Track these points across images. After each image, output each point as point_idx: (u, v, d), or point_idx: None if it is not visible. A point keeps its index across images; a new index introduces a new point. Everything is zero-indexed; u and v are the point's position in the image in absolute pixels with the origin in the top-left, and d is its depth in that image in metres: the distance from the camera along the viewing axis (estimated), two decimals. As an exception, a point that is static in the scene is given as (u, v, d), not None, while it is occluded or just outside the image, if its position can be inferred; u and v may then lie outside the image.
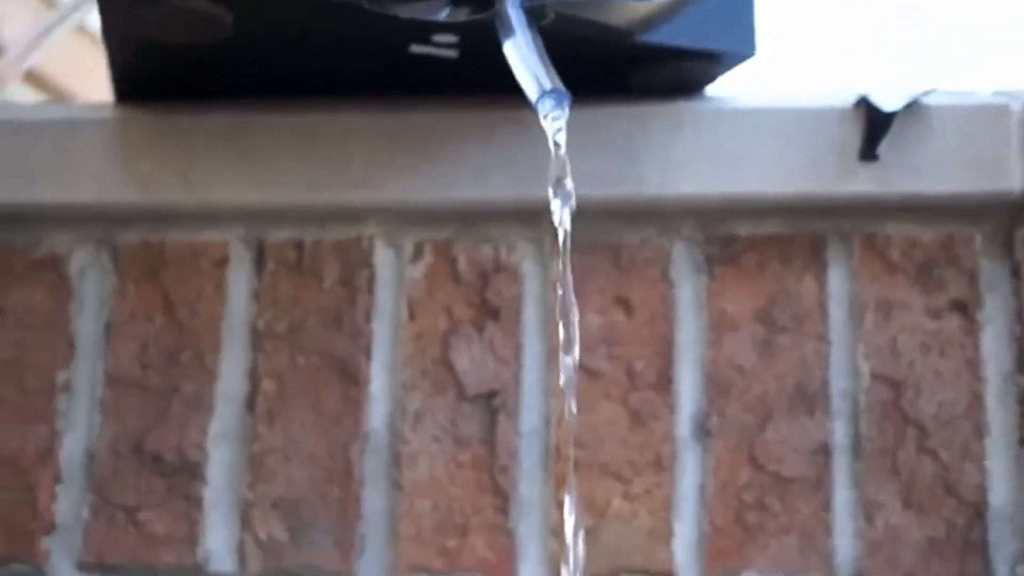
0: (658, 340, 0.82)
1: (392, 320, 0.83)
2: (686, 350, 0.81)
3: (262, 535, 0.81)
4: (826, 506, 0.79)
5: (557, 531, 0.80)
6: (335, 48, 0.78)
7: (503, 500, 0.80)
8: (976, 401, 0.79)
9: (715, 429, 0.80)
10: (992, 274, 0.80)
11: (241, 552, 0.81)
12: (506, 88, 0.81)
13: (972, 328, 0.80)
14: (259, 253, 0.84)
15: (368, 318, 0.82)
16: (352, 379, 0.82)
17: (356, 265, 0.83)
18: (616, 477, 0.80)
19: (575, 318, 0.67)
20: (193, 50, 0.78)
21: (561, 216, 0.68)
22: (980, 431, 0.79)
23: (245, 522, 0.81)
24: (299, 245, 0.84)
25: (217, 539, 0.81)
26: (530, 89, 0.69)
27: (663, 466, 0.80)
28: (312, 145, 0.83)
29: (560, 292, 0.67)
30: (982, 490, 0.79)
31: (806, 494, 0.79)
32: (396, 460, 0.81)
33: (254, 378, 0.82)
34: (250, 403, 0.82)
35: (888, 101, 0.80)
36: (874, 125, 0.79)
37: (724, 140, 0.81)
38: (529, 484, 0.81)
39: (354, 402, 0.82)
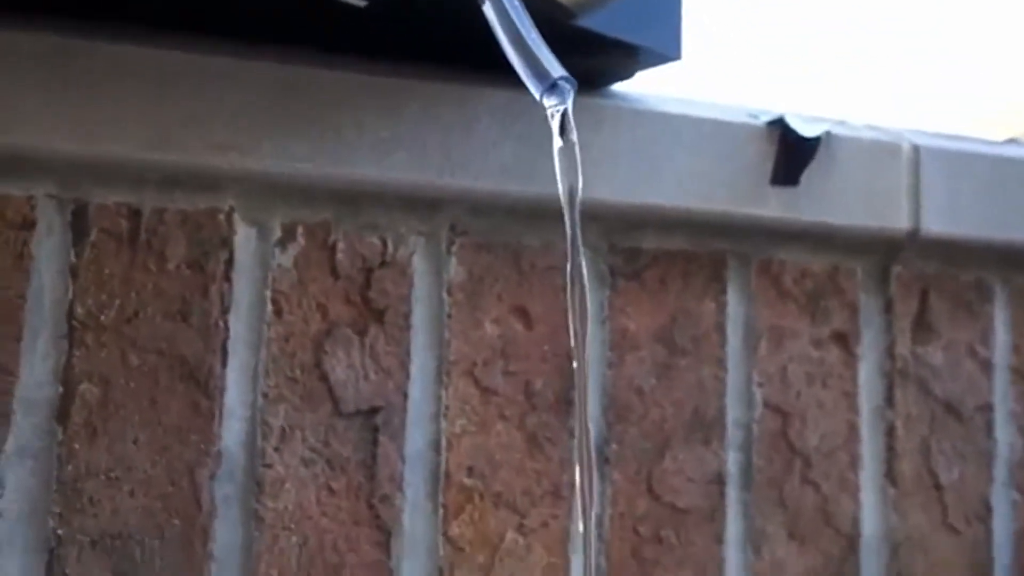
0: (558, 357, 0.52)
1: (254, 316, 0.48)
2: (587, 369, 0.52)
3: (73, 584, 0.44)
4: (719, 538, 0.53)
5: (445, 569, 0.49)
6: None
7: (384, 534, 0.48)
8: (853, 433, 0.56)
9: (614, 456, 0.52)
10: (869, 308, 0.58)
11: (43, 608, 0.43)
12: (414, 55, 0.49)
13: (850, 360, 0.57)
14: (79, 218, 0.46)
15: (223, 311, 0.47)
16: (201, 385, 0.47)
17: (209, 244, 0.48)
18: (511, 508, 0.50)
19: (586, 382, 0.38)
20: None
21: (573, 233, 0.38)
22: (855, 463, 0.56)
23: (54, 564, 0.44)
24: (135, 212, 0.47)
25: (9, 591, 0.43)
26: (526, 72, 0.39)
27: (561, 496, 0.51)
28: (166, 88, 0.46)
29: (576, 362, 0.37)
30: (856, 521, 0.56)
31: (700, 525, 0.53)
32: (256, 486, 0.47)
33: (69, 380, 0.45)
34: (62, 412, 0.45)
35: (803, 126, 0.54)
36: (791, 149, 0.54)
37: (643, 143, 0.53)
38: (414, 516, 0.49)
39: (203, 414, 0.47)
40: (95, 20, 0.49)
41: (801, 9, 0.73)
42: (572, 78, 0.41)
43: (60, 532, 0.47)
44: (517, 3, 0.43)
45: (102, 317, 0.49)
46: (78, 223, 0.49)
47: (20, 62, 0.47)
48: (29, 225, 0.48)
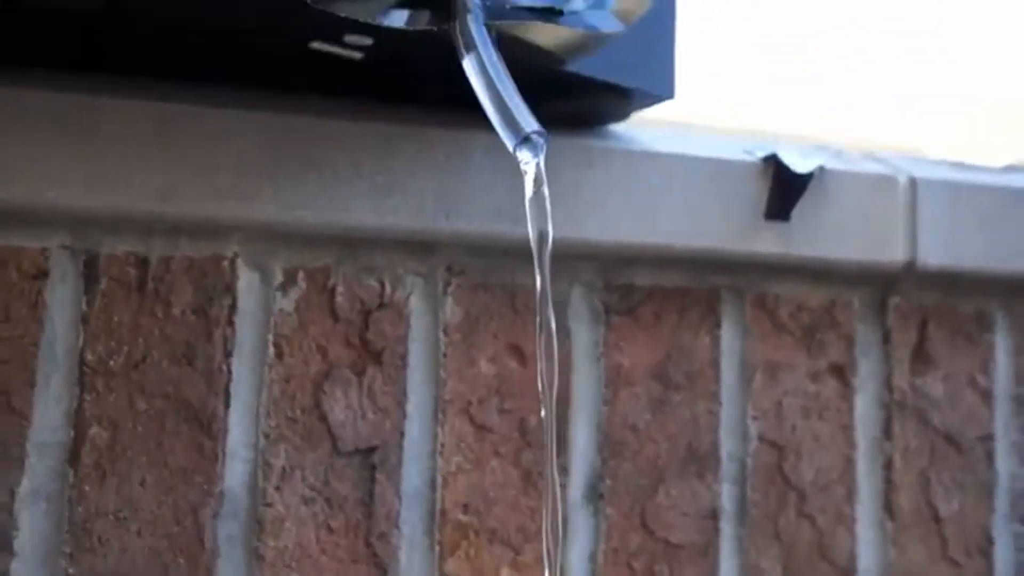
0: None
1: (255, 359, 0.54)
2: (581, 406, 0.58)
3: (85, 619, 0.50)
4: (713, 573, 0.58)
5: (440, 606, 0.55)
6: (221, 29, 0.50)
7: (381, 571, 0.54)
8: (849, 466, 0.62)
9: (608, 493, 0.57)
10: (866, 339, 0.63)
11: (56, 641, 0.50)
12: (410, 99, 0.55)
13: (847, 392, 0.62)
14: (90, 268, 0.53)
15: (227, 355, 0.53)
16: (205, 428, 0.53)
17: (214, 290, 0.54)
18: (505, 544, 0.56)
19: (552, 431, 0.43)
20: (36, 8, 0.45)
21: (543, 285, 0.43)
22: (852, 496, 0.61)
23: (63, 604, 0.50)
24: (143, 261, 0.53)
25: (25, 626, 0.49)
26: (502, 126, 0.44)
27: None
28: (171, 140, 0.52)
29: (543, 411, 0.43)
30: (852, 555, 0.61)
31: (694, 560, 0.59)
32: (257, 525, 0.53)
33: (79, 423, 0.51)
34: (73, 455, 0.51)
35: (797, 161, 0.59)
36: (784, 184, 0.59)
37: (634, 183, 0.58)
38: (411, 553, 0.55)
39: (207, 455, 0.53)
40: (102, 73, 0.55)
41: (802, 12, 0.77)
42: (545, 132, 0.46)
43: (71, 572, 0.53)
44: (495, 57, 0.48)
45: (111, 363, 0.55)
46: (89, 272, 0.55)
47: (34, 120, 0.53)
48: (43, 275, 0.54)
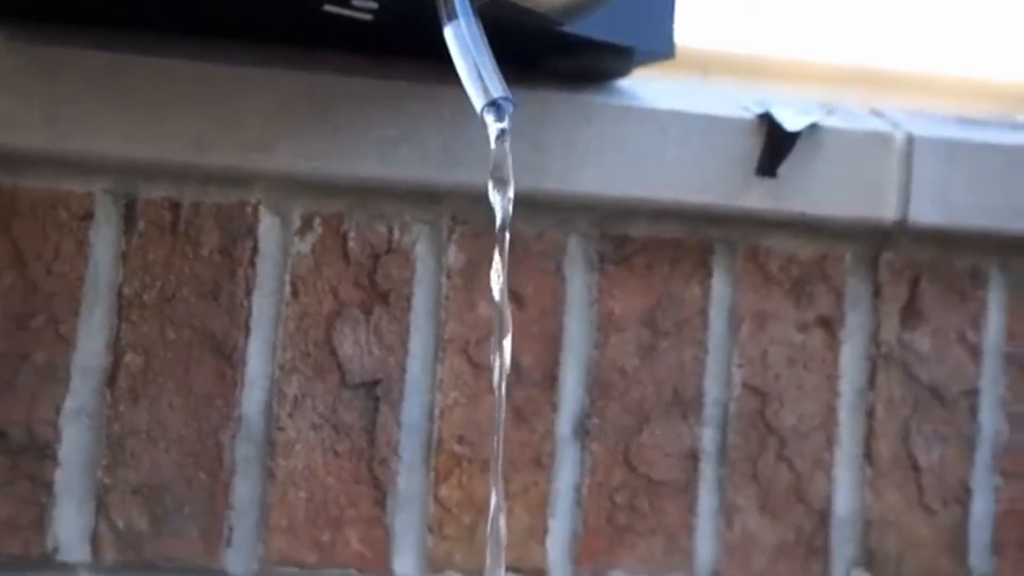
0: (546, 337, 0.74)
1: (274, 296, 0.71)
2: (572, 348, 0.74)
3: (119, 523, 0.68)
4: (691, 509, 0.75)
5: (434, 527, 0.72)
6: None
7: (380, 492, 0.71)
8: (831, 414, 0.77)
9: (594, 430, 0.74)
10: (856, 293, 0.78)
11: (95, 541, 0.68)
12: (420, 56, 0.70)
13: (833, 344, 0.77)
14: (129, 211, 0.69)
15: (248, 292, 0.70)
16: (227, 358, 0.69)
17: (238, 233, 0.70)
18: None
19: (508, 337, 0.58)
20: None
21: (501, 240, 0.57)
22: (832, 443, 0.77)
23: (101, 508, 0.68)
24: (175, 206, 0.69)
25: (68, 526, 0.68)
26: (473, 90, 0.58)
27: (542, 464, 0.73)
28: (202, 97, 0.68)
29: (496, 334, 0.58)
30: (828, 498, 0.77)
31: (674, 496, 0.75)
32: (270, 447, 0.70)
33: (117, 350, 0.68)
34: (111, 378, 0.68)
35: (791, 119, 0.74)
36: (775, 142, 0.74)
37: (630, 138, 0.73)
38: (408, 477, 0.72)
39: (228, 383, 0.70)
40: (138, 30, 0.71)
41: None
42: (512, 99, 0.59)
43: (106, 481, 0.71)
44: (475, 27, 0.60)
45: (146, 297, 0.72)
46: (129, 215, 0.71)
47: (79, 75, 0.69)
48: (88, 216, 0.71)
